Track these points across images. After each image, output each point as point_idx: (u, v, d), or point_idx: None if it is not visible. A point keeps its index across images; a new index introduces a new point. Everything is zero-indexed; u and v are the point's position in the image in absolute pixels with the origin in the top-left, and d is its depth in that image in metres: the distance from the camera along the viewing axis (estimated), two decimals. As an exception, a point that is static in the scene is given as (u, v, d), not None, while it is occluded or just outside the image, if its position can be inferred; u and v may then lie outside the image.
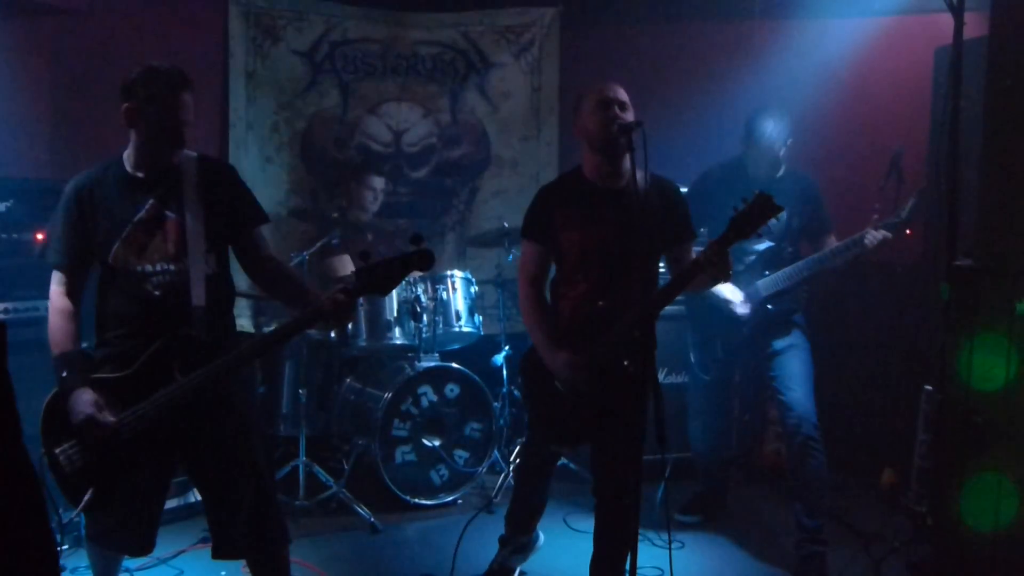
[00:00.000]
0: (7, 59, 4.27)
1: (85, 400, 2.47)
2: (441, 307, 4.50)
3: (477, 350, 4.87)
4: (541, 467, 3.34)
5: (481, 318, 4.75)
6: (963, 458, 2.69)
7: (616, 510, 2.95)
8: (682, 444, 4.36)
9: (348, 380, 4.69)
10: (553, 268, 3.18)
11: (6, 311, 3.52)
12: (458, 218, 5.57)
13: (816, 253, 3.70)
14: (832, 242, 3.70)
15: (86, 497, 2.50)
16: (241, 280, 2.99)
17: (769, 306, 3.74)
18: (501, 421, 4.66)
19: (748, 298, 3.74)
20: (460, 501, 4.36)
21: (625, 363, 2.81)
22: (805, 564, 3.53)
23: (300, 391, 4.25)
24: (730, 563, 3.72)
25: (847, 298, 4.91)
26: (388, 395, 4.22)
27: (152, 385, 2.50)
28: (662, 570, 3.43)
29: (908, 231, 3.62)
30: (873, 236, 3.53)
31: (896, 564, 3.50)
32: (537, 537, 3.50)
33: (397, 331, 4.42)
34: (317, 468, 4.21)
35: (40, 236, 3.14)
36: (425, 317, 4.39)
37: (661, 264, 3.25)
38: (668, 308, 3.19)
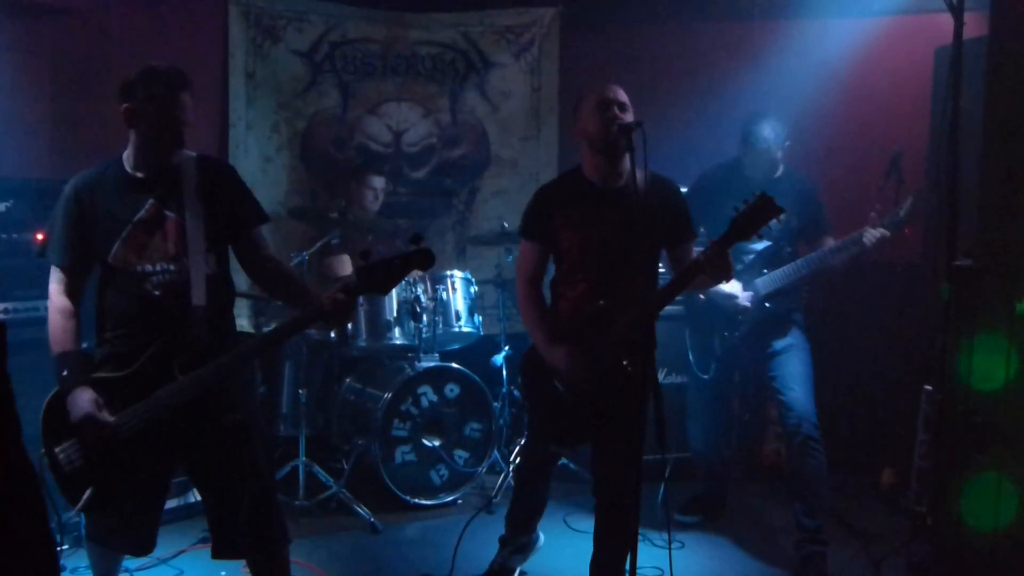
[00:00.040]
0: (7, 59, 4.27)
1: (85, 399, 2.48)
2: (441, 307, 4.50)
3: (477, 350, 4.87)
4: (541, 467, 3.34)
5: (481, 318, 4.75)
6: (963, 458, 2.69)
7: (616, 510, 2.95)
8: (682, 444, 4.36)
9: (348, 380, 4.69)
10: (552, 268, 3.18)
11: (6, 311, 3.52)
12: (458, 218, 5.57)
13: (814, 252, 3.71)
14: (830, 243, 3.71)
15: (85, 496, 2.50)
16: (241, 280, 2.99)
17: (767, 304, 3.74)
18: (501, 421, 4.66)
19: (747, 297, 3.75)
20: (460, 501, 4.36)
21: (624, 363, 2.82)
22: (805, 564, 3.53)
23: (300, 391, 4.24)
24: (730, 563, 3.72)
25: (847, 298, 4.91)
26: (388, 395, 4.22)
27: (152, 385, 2.50)
28: (662, 570, 3.43)
29: (906, 230, 3.62)
30: (872, 234, 3.53)
31: (896, 564, 3.50)
32: (537, 537, 3.50)
33: (397, 331, 4.42)
34: (317, 468, 4.21)
35: (40, 236, 3.14)
36: (425, 317, 4.39)
37: (661, 266, 3.25)
38: (668, 308, 3.20)
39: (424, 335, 4.41)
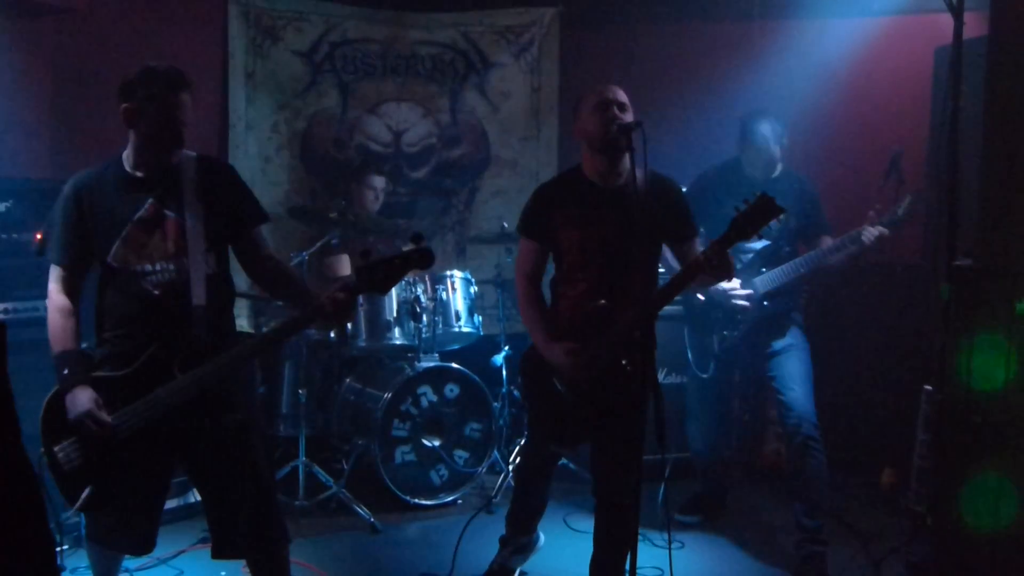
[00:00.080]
0: (7, 59, 4.27)
1: (84, 397, 2.48)
2: (441, 307, 4.50)
3: (477, 350, 4.87)
4: (541, 467, 3.34)
5: (481, 318, 4.74)
6: (963, 458, 2.69)
7: (616, 510, 2.95)
8: (682, 444, 4.35)
9: (348, 380, 4.69)
10: (552, 267, 3.18)
11: (6, 311, 3.52)
12: (458, 218, 5.57)
13: (813, 251, 3.71)
14: (828, 242, 3.71)
15: (84, 495, 2.50)
16: (241, 280, 2.99)
17: (766, 303, 3.74)
18: (501, 421, 4.66)
19: (746, 295, 3.75)
20: (460, 501, 4.36)
21: (624, 363, 2.82)
22: (805, 564, 3.52)
23: (300, 391, 4.24)
24: (730, 563, 3.72)
25: (847, 298, 4.91)
26: (388, 395, 4.22)
27: (152, 384, 2.50)
28: (662, 570, 3.42)
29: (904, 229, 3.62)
30: (870, 233, 3.53)
31: (896, 564, 3.50)
32: (537, 537, 3.50)
33: (397, 331, 4.42)
34: (317, 468, 4.21)
35: (39, 236, 3.14)
36: (425, 317, 4.39)
37: (661, 267, 3.26)
38: (668, 308, 3.20)
39: (424, 335, 4.41)
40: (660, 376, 4.42)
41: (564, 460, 4.40)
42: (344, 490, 4.15)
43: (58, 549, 3.01)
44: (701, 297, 3.88)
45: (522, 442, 4.55)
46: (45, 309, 2.65)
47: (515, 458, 4.54)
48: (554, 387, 2.97)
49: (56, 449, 2.53)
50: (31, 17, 4.43)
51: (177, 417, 2.52)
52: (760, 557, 3.74)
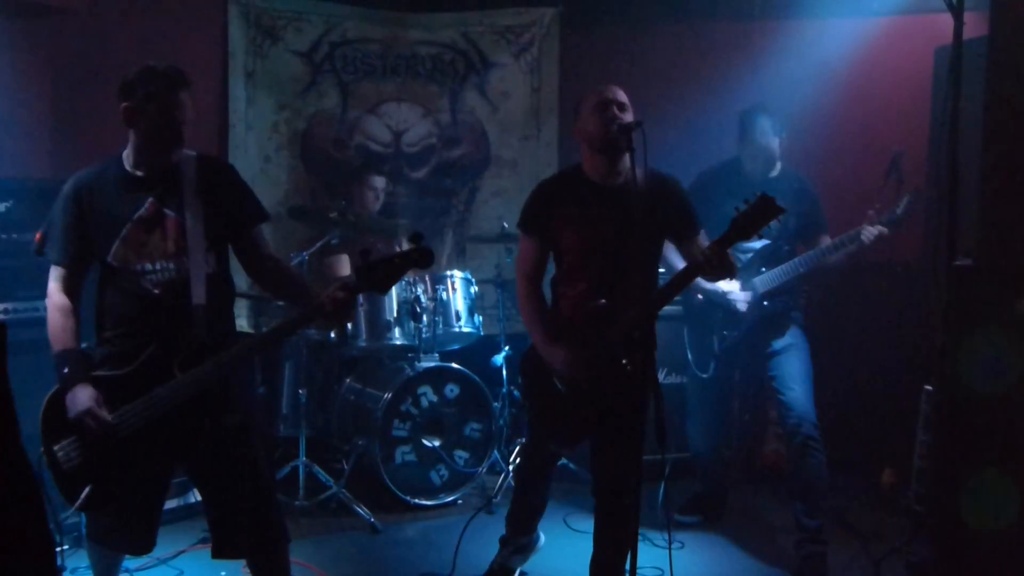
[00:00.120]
0: (7, 59, 4.27)
1: (85, 395, 2.48)
2: (441, 307, 4.50)
3: (477, 350, 4.87)
4: (541, 467, 3.34)
5: (481, 318, 4.74)
6: (963, 458, 2.69)
7: (616, 510, 2.95)
8: (682, 444, 4.36)
9: (348, 380, 4.69)
10: (553, 267, 3.18)
11: (6, 311, 3.52)
12: (458, 218, 5.57)
13: (812, 250, 3.71)
14: (827, 242, 3.71)
15: (83, 495, 2.50)
16: (241, 280, 2.99)
17: (766, 303, 3.74)
18: (501, 421, 4.66)
19: (745, 292, 3.75)
20: (460, 501, 4.36)
21: (624, 362, 2.82)
22: (805, 564, 3.53)
23: (300, 391, 4.24)
24: (730, 563, 3.72)
25: (847, 298, 4.91)
26: (388, 395, 4.22)
27: (152, 383, 2.50)
28: (662, 570, 3.42)
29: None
30: (869, 232, 3.54)
31: (896, 564, 3.50)
32: (537, 537, 3.50)
33: (397, 331, 4.42)
34: (317, 468, 4.21)
35: (39, 236, 3.14)
36: (425, 317, 4.39)
37: (661, 267, 3.26)
38: (668, 308, 3.20)
39: (424, 335, 4.41)
40: (660, 376, 4.42)
41: (564, 460, 4.40)
42: (344, 490, 4.15)
43: (58, 549, 3.01)
44: (700, 297, 3.88)
45: (522, 442, 4.55)
46: (45, 309, 2.65)
47: (515, 458, 4.54)
48: (554, 386, 2.97)
49: (56, 448, 2.53)
50: (31, 17, 4.43)
51: (177, 417, 2.52)
52: (760, 557, 3.74)
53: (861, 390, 4.84)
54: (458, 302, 4.58)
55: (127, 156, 2.63)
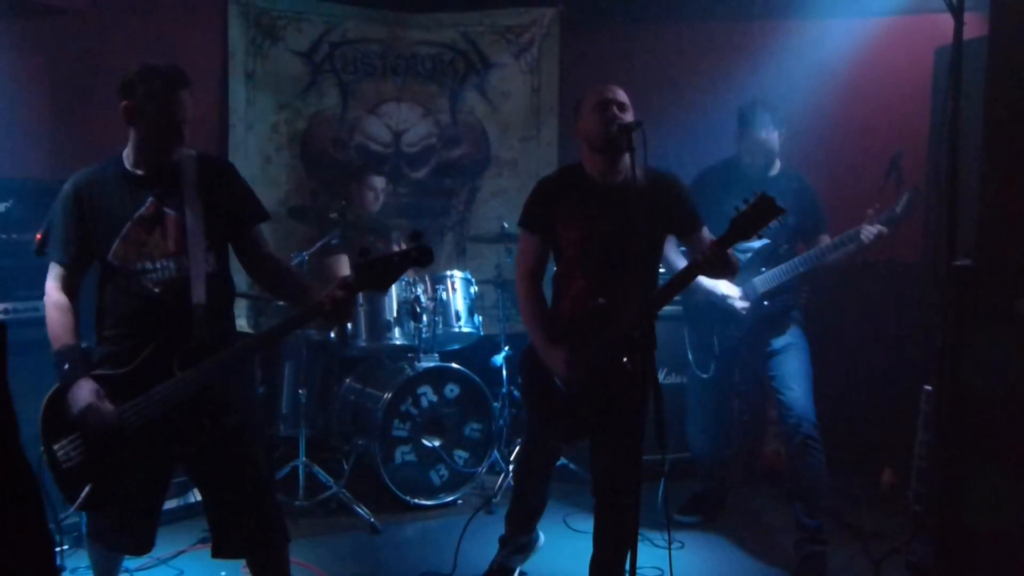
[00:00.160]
0: (7, 59, 4.27)
1: (86, 390, 2.48)
2: (441, 307, 4.50)
3: (477, 350, 4.87)
4: (541, 467, 3.34)
5: (481, 318, 4.74)
6: (963, 458, 2.69)
7: (616, 510, 2.95)
8: (682, 444, 4.36)
9: (348, 380, 4.69)
10: (553, 265, 3.18)
11: (6, 311, 3.52)
12: (458, 218, 5.57)
13: (812, 249, 3.71)
14: (827, 241, 3.71)
15: (83, 494, 2.50)
16: (241, 280, 2.99)
17: (766, 303, 3.74)
18: (501, 421, 4.66)
19: (745, 295, 3.75)
20: (460, 501, 4.36)
21: (624, 360, 2.81)
22: (805, 564, 3.53)
23: (300, 391, 4.24)
24: (730, 563, 3.72)
25: (847, 298, 4.91)
26: (388, 395, 4.22)
27: (151, 382, 2.50)
28: (662, 570, 3.42)
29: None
30: (869, 231, 3.54)
31: (896, 564, 3.50)
32: (537, 537, 3.50)
33: (397, 331, 4.42)
34: (317, 468, 4.21)
35: (39, 236, 3.14)
36: (425, 317, 4.39)
37: (661, 267, 3.26)
38: (668, 308, 3.20)
39: (424, 335, 4.41)
40: (660, 376, 4.42)
41: (564, 460, 4.40)
42: (344, 490, 4.15)
43: (58, 549, 3.01)
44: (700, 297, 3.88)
45: (522, 442, 4.54)
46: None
47: (515, 458, 4.54)
48: (554, 384, 2.97)
49: (56, 447, 2.53)
50: (31, 17, 4.43)
51: (176, 417, 2.52)
52: (760, 557, 3.74)
53: (861, 390, 4.84)
54: (458, 302, 4.58)
55: (127, 155, 2.63)
